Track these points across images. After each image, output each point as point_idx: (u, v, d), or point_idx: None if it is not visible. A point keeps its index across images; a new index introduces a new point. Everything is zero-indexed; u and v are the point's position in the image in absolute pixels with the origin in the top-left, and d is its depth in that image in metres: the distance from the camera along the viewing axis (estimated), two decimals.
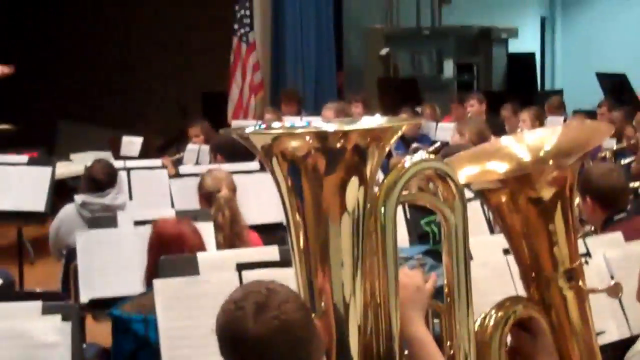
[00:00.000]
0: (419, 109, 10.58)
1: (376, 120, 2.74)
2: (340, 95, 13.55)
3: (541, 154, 3.22)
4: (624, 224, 4.75)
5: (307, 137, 2.50)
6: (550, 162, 3.16)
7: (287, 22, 13.50)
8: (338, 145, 2.48)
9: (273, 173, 2.57)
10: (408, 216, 5.39)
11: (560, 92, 14.53)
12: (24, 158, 7.04)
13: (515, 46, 17.99)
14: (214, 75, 13.45)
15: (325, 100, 11.11)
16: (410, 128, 9.82)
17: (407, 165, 2.64)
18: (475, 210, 5.14)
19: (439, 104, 11.85)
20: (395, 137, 2.64)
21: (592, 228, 5.20)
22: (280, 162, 2.53)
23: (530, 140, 3.33)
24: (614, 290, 3.36)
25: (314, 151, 2.47)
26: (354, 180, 2.52)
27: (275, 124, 2.75)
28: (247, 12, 12.75)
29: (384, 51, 14.80)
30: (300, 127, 2.64)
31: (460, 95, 11.89)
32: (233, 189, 5.36)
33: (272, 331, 2.24)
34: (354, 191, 2.53)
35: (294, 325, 2.27)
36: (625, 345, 3.45)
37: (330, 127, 2.57)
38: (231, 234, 4.94)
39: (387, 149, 2.63)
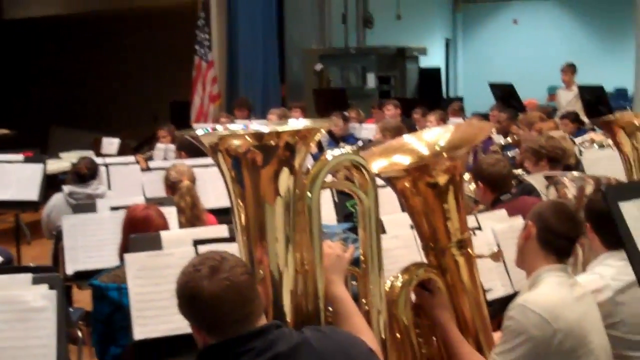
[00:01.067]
0: (346, 113, 10.60)
1: (302, 123, 2.75)
2: (283, 103, 13.55)
3: (437, 148, 3.26)
4: (508, 204, 4.81)
5: (247, 137, 2.50)
6: (444, 154, 3.20)
7: (239, 45, 13.53)
8: (272, 142, 2.49)
9: (219, 166, 2.57)
10: (336, 199, 5.40)
11: (460, 99, 14.67)
12: (21, 157, 7.02)
13: (425, 62, 18.13)
14: (180, 87, 13.42)
15: (270, 107, 11.12)
16: (340, 128, 9.90)
17: (329, 158, 2.67)
18: (389, 194, 5.17)
19: (363, 109, 11.90)
20: (317, 136, 2.66)
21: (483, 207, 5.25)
22: (224, 157, 2.53)
23: (428, 137, 3.36)
24: (496, 256, 3.41)
25: (252, 148, 2.48)
26: (285, 171, 2.53)
27: (219, 127, 2.73)
28: (207, 37, 12.81)
29: (318, 67, 14.84)
30: (239, 129, 2.64)
31: (380, 102, 11.92)
32: (193, 180, 5.34)
33: (223, 289, 2.23)
34: (285, 180, 2.54)
35: (241, 286, 2.26)
36: (508, 300, 3.48)
37: (265, 128, 2.57)
38: (191, 216, 4.92)
39: (312, 145, 2.63)
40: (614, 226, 2.80)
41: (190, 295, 2.26)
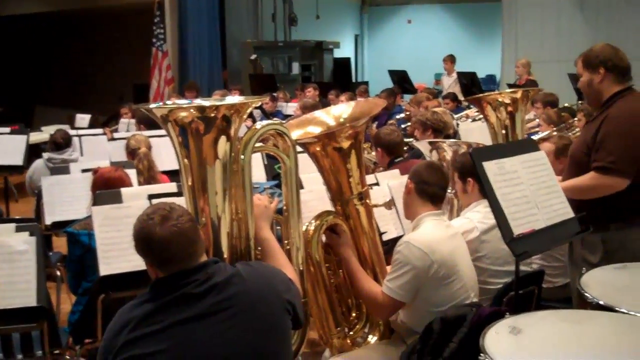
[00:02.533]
0: (275, 94, 10.56)
1: (236, 99, 2.73)
2: (225, 86, 13.40)
3: (341, 120, 3.28)
4: (401, 165, 4.84)
5: (191, 110, 2.47)
6: (347, 124, 3.21)
7: (189, 38, 13.38)
8: (212, 114, 2.46)
9: (169, 133, 2.53)
10: (265, 162, 5.39)
11: (366, 83, 14.65)
12: (8, 129, 6.86)
13: (338, 53, 18.09)
14: (141, 73, 13.19)
15: (214, 89, 11.02)
16: (270, 106, 9.86)
17: (258, 127, 2.66)
18: (307, 157, 5.18)
19: (289, 91, 11.86)
20: (249, 110, 2.63)
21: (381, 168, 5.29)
22: (173, 126, 2.49)
23: (334, 112, 3.38)
24: (389, 204, 3.45)
25: (195, 119, 2.45)
26: (223, 138, 2.50)
27: (168, 102, 2.68)
28: (162, 31, 12.62)
29: (253, 57, 14.70)
30: (185, 104, 2.60)
31: (303, 85, 11.88)
32: (149, 147, 5.26)
33: (172, 234, 2.20)
34: (223, 145, 2.51)
35: (187, 231, 2.23)
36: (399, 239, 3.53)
37: (206, 103, 2.54)
38: (148, 177, 4.84)
39: (245, 117, 2.60)
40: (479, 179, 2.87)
41: (145, 238, 2.23)
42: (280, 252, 2.71)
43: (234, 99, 2.75)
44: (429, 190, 3.22)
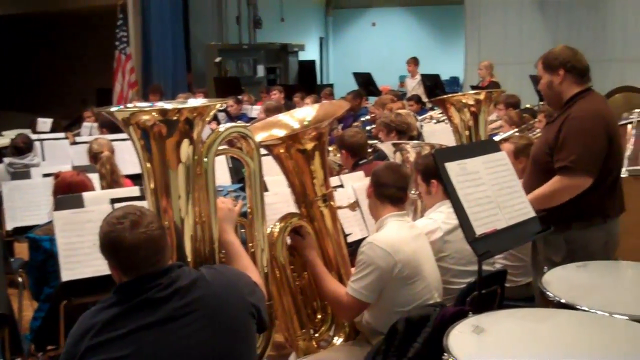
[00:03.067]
0: (240, 97, 10.54)
1: (198, 102, 2.71)
2: (189, 88, 13.34)
3: (305, 122, 3.28)
4: (365, 167, 4.84)
5: (153, 113, 2.44)
6: (311, 126, 3.22)
7: (152, 41, 13.30)
8: (174, 117, 2.44)
9: (131, 136, 2.50)
10: (230, 165, 5.37)
11: (331, 85, 14.70)
12: None
13: (303, 56, 18.12)
14: (104, 76, 13.03)
15: (178, 92, 10.95)
16: (235, 109, 9.83)
17: (221, 130, 2.64)
18: (272, 160, 5.18)
19: (254, 94, 11.85)
20: (212, 112, 2.61)
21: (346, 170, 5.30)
22: (135, 130, 2.46)
23: (298, 114, 3.39)
24: (352, 206, 3.46)
25: (158, 122, 2.42)
26: (186, 141, 2.48)
27: (129, 105, 2.65)
28: (125, 34, 12.51)
29: (217, 60, 14.67)
30: (146, 106, 2.57)
31: (268, 88, 11.88)
32: (112, 151, 5.21)
33: (141, 241, 2.18)
34: (185, 148, 2.49)
35: (156, 239, 2.22)
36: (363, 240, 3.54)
37: (168, 105, 2.52)
38: (111, 181, 4.79)
39: (208, 120, 2.58)
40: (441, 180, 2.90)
41: (113, 242, 2.20)
42: (245, 255, 2.70)
43: (196, 101, 2.73)
44: (387, 192, 3.23)
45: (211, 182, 2.61)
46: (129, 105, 2.69)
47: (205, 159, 2.58)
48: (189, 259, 2.53)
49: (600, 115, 3.44)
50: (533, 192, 3.44)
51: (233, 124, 2.75)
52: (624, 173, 3.90)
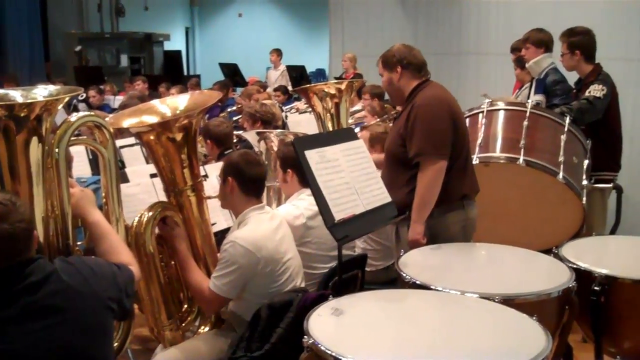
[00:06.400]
0: (102, 87, 10.24)
1: (49, 90, 2.58)
2: (48, 78, 12.80)
3: (177, 110, 3.26)
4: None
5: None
6: (182, 114, 3.19)
7: (7, 28, 12.80)
8: (22, 114, 2.31)
9: None
10: (90, 157, 5.19)
11: (198, 76, 14.55)
12: None
13: (169, 46, 17.86)
14: None
15: (36, 82, 10.46)
16: (96, 99, 9.55)
17: (73, 119, 2.56)
18: (136, 151, 5.09)
19: (117, 84, 11.53)
20: (59, 106, 2.46)
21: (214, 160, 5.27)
22: None
23: (170, 103, 3.36)
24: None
25: (4, 117, 2.29)
26: (35, 137, 2.36)
27: None
28: None
29: (77, 48, 14.19)
30: None
31: (132, 78, 11.63)
32: None
33: (3, 236, 2.09)
34: (35, 142, 2.37)
35: (19, 236, 2.13)
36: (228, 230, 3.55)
37: (15, 93, 2.41)
38: None
39: (56, 112, 2.45)
40: (302, 168, 2.95)
41: None
42: (113, 234, 2.62)
43: (46, 90, 2.59)
44: (253, 186, 3.24)
45: (63, 173, 2.52)
46: None
47: (57, 150, 2.49)
48: (44, 253, 2.41)
49: (443, 99, 3.61)
50: (415, 202, 3.49)
51: (84, 113, 2.66)
52: (475, 160, 4.10)
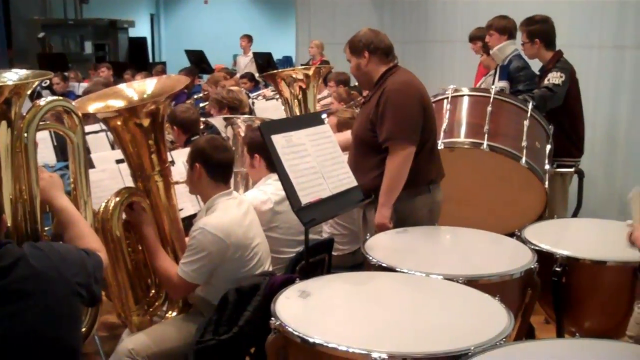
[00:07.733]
0: (67, 74, 10.12)
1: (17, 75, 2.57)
2: (10, 65, 12.58)
3: (144, 95, 3.24)
4: None
5: None
6: (149, 99, 3.17)
7: None
8: None
9: None
10: (55, 143, 5.14)
11: (164, 63, 14.46)
12: None
13: (134, 33, 17.70)
14: None
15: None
16: (61, 86, 9.44)
17: (42, 104, 2.53)
18: (101, 137, 5.06)
19: (81, 71, 11.41)
20: (28, 90, 2.43)
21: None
22: None
23: (137, 87, 3.33)
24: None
25: None
26: (4, 121, 2.33)
27: None
28: None
29: (41, 35, 13.96)
30: None
31: (96, 65, 11.49)
32: None
33: None
34: (4, 126, 2.34)
35: None
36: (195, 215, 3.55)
37: None
38: None
39: (25, 97, 2.43)
40: (269, 153, 2.96)
41: None
42: (81, 219, 2.59)
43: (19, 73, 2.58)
44: (221, 171, 3.24)
45: (32, 156, 2.48)
46: None
47: (25, 134, 2.45)
48: (13, 237, 2.40)
49: (413, 85, 3.64)
50: (383, 186, 3.53)
51: (53, 97, 2.63)
52: (440, 145, 4.16)
